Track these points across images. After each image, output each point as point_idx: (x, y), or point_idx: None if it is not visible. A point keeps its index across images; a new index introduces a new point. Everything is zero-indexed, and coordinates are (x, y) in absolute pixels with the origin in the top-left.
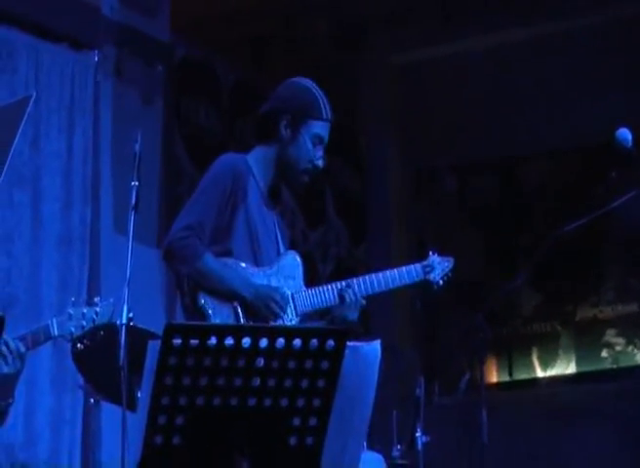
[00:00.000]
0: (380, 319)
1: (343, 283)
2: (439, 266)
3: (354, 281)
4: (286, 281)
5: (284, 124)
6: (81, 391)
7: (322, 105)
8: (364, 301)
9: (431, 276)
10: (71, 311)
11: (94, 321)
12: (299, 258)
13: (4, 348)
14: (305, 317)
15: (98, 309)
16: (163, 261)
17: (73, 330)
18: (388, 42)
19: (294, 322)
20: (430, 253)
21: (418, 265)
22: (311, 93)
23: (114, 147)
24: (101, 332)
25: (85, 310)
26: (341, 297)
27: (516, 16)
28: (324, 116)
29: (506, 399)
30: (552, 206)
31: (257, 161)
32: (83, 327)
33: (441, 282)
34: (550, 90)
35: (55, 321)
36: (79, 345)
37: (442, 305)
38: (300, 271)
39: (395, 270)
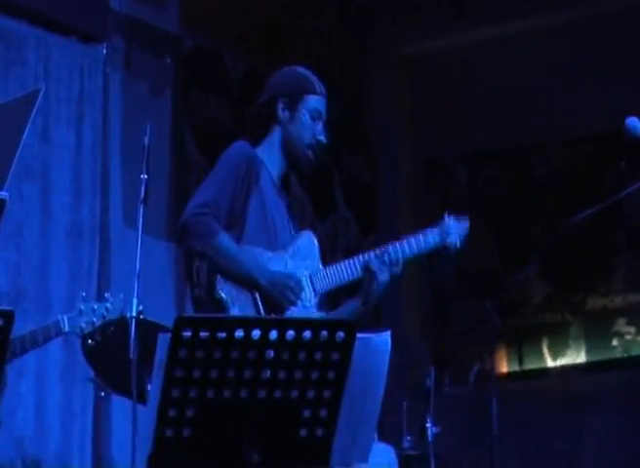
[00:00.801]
0: (391, 309)
1: (366, 255)
2: (455, 229)
3: (368, 254)
4: (303, 262)
5: (281, 107)
6: (91, 384)
7: (314, 81)
8: (400, 265)
9: (448, 239)
10: (82, 307)
11: (104, 317)
12: (314, 238)
13: None
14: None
15: (108, 305)
16: (177, 239)
17: (84, 326)
18: (398, 32)
19: (313, 302)
20: (445, 215)
21: (434, 230)
22: (300, 72)
23: (123, 139)
24: (112, 328)
25: (95, 306)
26: (367, 269)
27: (527, 5)
28: (318, 90)
29: (517, 389)
30: (563, 195)
31: (264, 152)
32: (94, 323)
33: (458, 244)
34: (561, 79)
35: (65, 317)
36: (90, 341)
37: (452, 294)
38: (316, 250)
39: (412, 237)
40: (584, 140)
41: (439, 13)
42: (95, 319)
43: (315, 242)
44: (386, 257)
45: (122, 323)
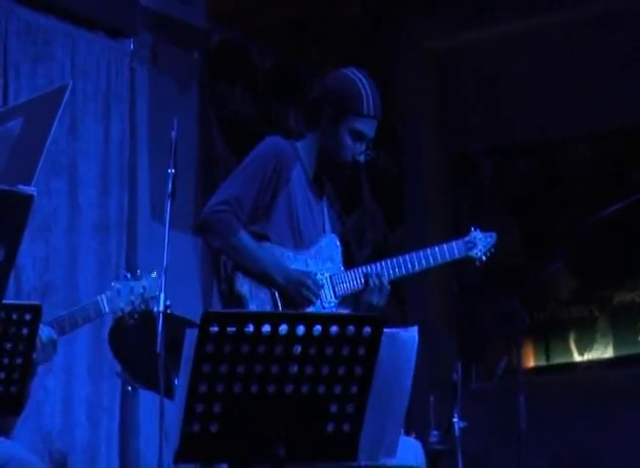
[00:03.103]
0: (417, 303)
1: (374, 266)
2: (481, 242)
3: (386, 263)
4: (324, 263)
5: (325, 115)
6: (118, 379)
7: (365, 100)
8: (388, 287)
9: (474, 252)
10: (119, 286)
11: (142, 295)
12: (338, 242)
13: (38, 343)
14: (344, 299)
15: (144, 283)
16: (197, 232)
17: (123, 305)
18: (425, 26)
19: (332, 304)
20: (472, 229)
21: (459, 241)
22: (356, 86)
23: (151, 134)
24: (144, 307)
25: (133, 284)
26: (366, 282)
27: None
28: (365, 112)
29: (543, 383)
30: (590, 189)
31: (304, 148)
32: (133, 302)
33: (484, 258)
34: (588, 73)
35: (104, 297)
36: (130, 320)
37: (479, 289)
38: (338, 253)
39: (435, 247)
40: (612, 135)
41: (467, 7)
42: (133, 298)
43: (338, 245)
44: (408, 267)
45: (149, 316)
